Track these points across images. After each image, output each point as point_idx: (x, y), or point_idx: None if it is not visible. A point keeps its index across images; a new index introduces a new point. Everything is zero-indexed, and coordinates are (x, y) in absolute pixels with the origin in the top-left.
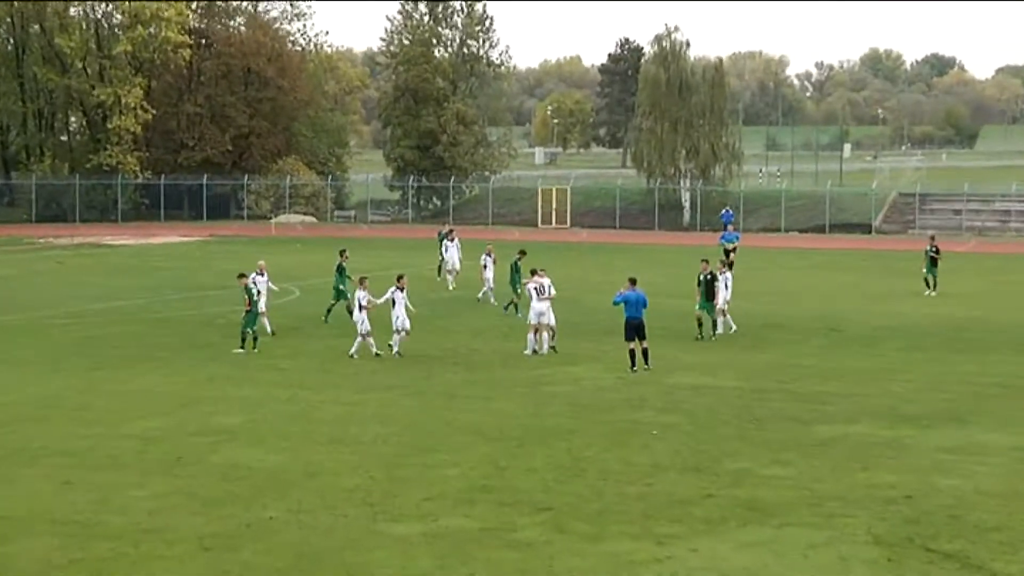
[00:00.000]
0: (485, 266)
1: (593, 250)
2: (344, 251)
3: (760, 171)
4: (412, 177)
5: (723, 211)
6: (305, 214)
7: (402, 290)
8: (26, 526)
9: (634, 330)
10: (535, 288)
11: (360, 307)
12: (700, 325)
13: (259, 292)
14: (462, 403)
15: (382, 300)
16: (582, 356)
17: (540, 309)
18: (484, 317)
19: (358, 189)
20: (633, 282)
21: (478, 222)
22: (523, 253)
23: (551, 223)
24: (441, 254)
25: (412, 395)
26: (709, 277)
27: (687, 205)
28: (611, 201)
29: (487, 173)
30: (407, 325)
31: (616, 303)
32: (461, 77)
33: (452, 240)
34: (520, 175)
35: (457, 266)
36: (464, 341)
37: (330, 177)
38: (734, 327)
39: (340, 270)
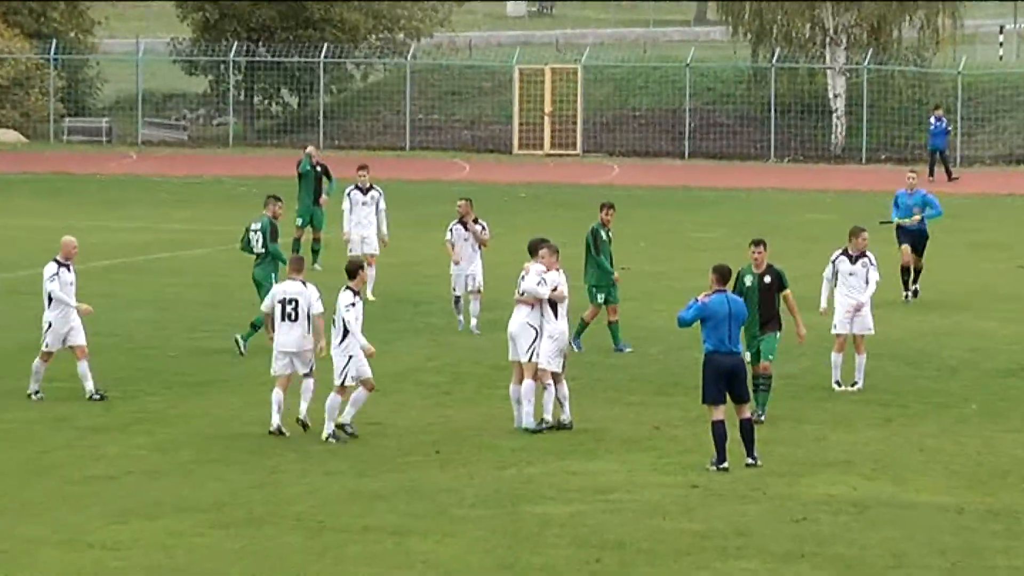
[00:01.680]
0: (455, 244)
1: (632, 205)
2: (274, 201)
3: (1000, 32)
4: (237, 45)
5: (933, 119)
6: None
7: (355, 296)
8: None
9: (727, 378)
10: (538, 284)
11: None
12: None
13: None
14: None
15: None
16: (612, 435)
17: (558, 331)
18: (448, 351)
19: (118, 73)
20: (723, 277)
21: (382, 145)
22: (608, 208)
23: (541, 145)
24: (348, 221)
25: (287, 526)
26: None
27: (839, 107)
28: (671, 98)
29: (402, 38)
30: (365, 371)
31: (687, 322)
32: None
33: (368, 192)
34: (475, 40)
35: (373, 248)
36: (407, 403)
37: (54, 47)
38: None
39: (267, 231)
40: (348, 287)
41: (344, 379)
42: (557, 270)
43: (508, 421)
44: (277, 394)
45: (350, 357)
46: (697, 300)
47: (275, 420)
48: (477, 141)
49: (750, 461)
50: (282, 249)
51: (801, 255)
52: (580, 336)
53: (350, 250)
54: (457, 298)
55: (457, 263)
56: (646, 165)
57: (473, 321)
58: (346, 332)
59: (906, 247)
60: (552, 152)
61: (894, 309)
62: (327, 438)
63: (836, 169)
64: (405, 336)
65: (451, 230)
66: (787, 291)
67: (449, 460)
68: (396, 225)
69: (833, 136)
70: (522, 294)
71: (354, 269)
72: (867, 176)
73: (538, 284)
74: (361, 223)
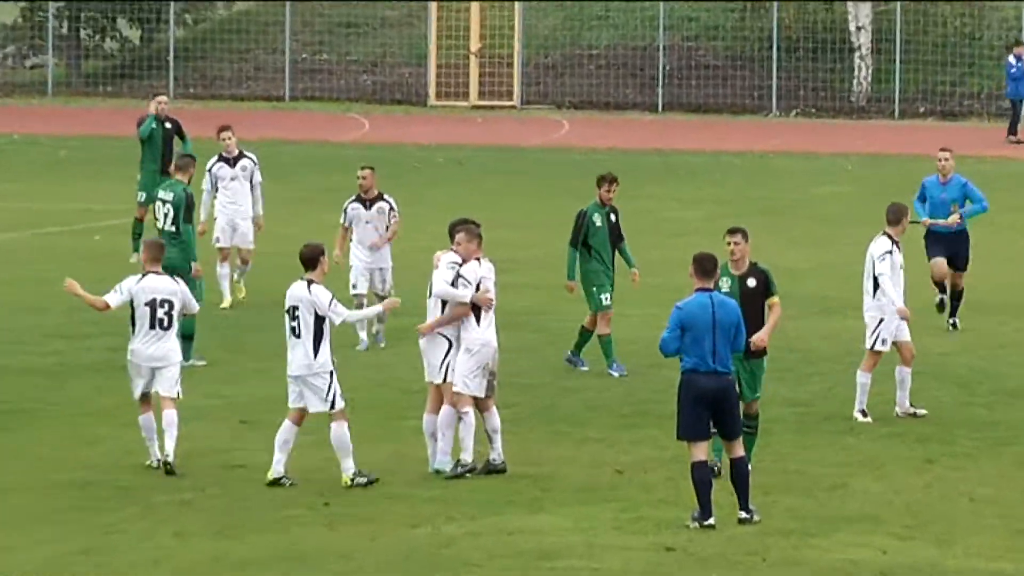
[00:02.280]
0: (353, 228)
1: (586, 173)
2: (190, 163)
3: None
4: None
5: (1012, 59)
6: None
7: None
8: None
9: (710, 406)
10: (461, 279)
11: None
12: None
13: None
14: None
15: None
16: (562, 481)
17: (479, 342)
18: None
19: None
20: (705, 270)
21: (254, 94)
22: (609, 184)
23: (467, 94)
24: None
25: None
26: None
27: (863, 44)
28: (639, 32)
29: None
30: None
31: (671, 348)
32: None
33: (238, 163)
34: None
35: (248, 238)
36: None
37: None
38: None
39: (180, 206)
40: (307, 279)
41: (334, 400)
42: (479, 260)
43: (422, 463)
44: (146, 420)
45: (332, 372)
46: (680, 307)
47: (155, 452)
48: (380, 89)
49: (744, 515)
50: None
51: (814, 242)
52: (581, 352)
53: (216, 241)
54: (360, 302)
55: (372, 248)
56: (606, 120)
57: (377, 327)
58: (320, 339)
59: (939, 261)
60: (481, 103)
61: (932, 313)
62: (352, 480)
63: (859, 126)
64: (284, 351)
65: (347, 210)
66: (775, 298)
67: (342, 515)
68: (272, 202)
69: (855, 82)
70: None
71: (313, 256)
72: (900, 135)
73: (454, 281)
74: (230, 206)
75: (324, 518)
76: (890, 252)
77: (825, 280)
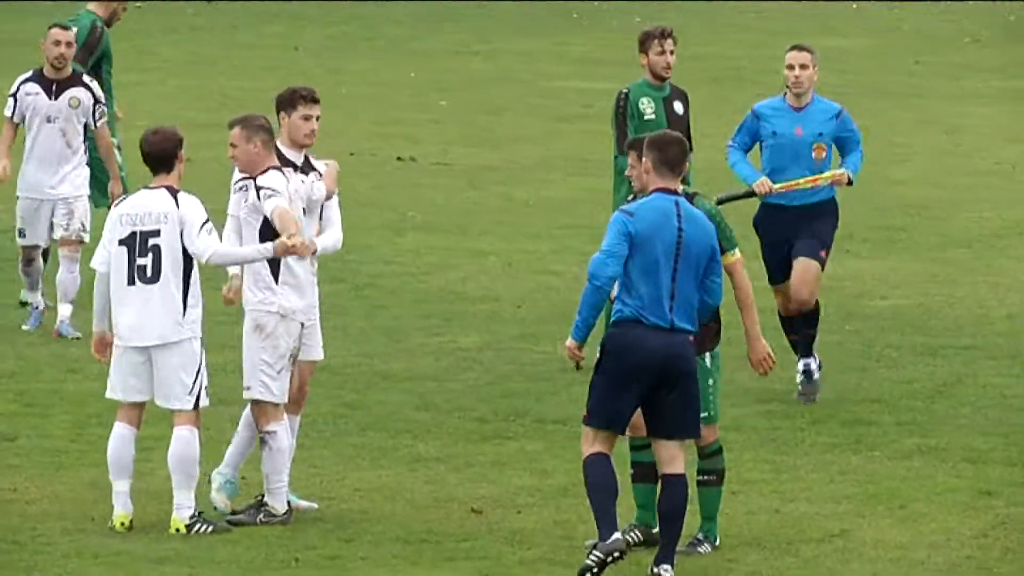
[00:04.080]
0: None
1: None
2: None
3: None
4: None
5: None
6: None
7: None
8: None
9: (647, 381)
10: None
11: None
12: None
13: None
14: None
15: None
16: (375, 527)
17: (293, 308)
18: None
19: None
20: (666, 157)
21: None
22: (664, 41)
23: None
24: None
25: None
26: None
27: None
28: None
29: None
30: None
31: (605, 273)
32: None
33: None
34: None
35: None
36: None
37: None
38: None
39: None
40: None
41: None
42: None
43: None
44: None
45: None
46: (622, 212)
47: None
48: None
49: (661, 572)
50: None
51: None
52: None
53: None
54: (31, 256)
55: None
56: None
57: (64, 310)
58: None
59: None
60: None
61: None
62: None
63: None
64: None
65: (17, 94)
66: (732, 255)
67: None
68: None
69: None
70: None
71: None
72: None
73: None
74: None
75: None
76: None
77: None
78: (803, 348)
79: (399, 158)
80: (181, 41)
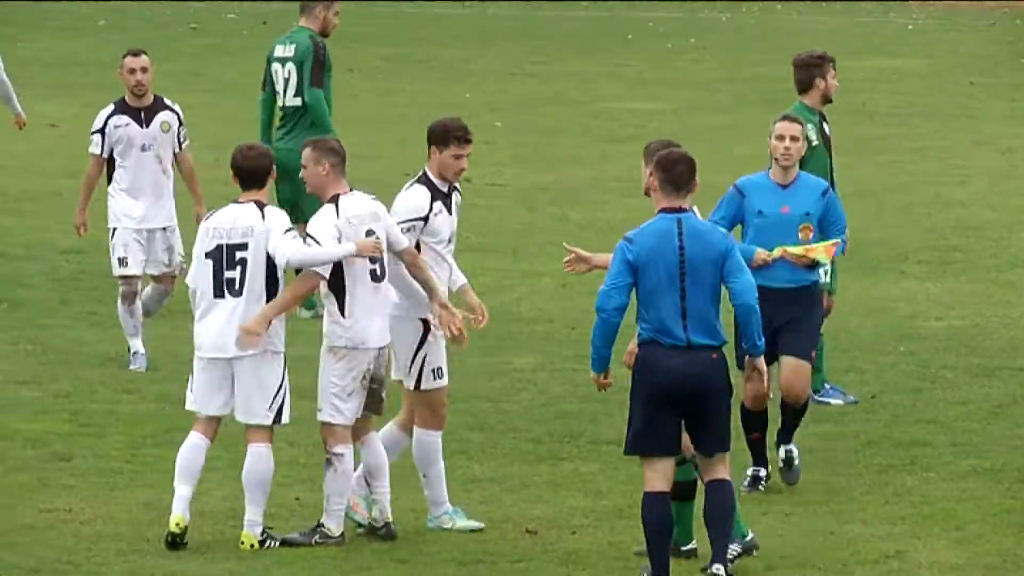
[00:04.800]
0: (114, 157)
1: (492, 39)
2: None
3: None
4: None
5: None
6: None
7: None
8: None
9: (676, 401)
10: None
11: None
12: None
13: None
14: None
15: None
16: (428, 548)
17: (376, 329)
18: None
19: None
20: (672, 175)
21: None
22: (827, 65)
23: None
24: None
25: None
26: None
27: None
28: None
29: None
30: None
31: (612, 304)
32: None
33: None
34: None
35: None
36: None
37: None
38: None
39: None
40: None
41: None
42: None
43: None
44: None
45: None
46: (626, 241)
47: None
48: None
49: (715, 571)
50: None
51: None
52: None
53: None
54: (132, 289)
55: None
56: None
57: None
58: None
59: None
60: None
61: None
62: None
63: None
64: None
65: (105, 129)
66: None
67: None
68: None
69: None
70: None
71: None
72: None
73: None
74: None
75: None
76: None
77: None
78: (785, 436)
79: None
80: (235, 63)
